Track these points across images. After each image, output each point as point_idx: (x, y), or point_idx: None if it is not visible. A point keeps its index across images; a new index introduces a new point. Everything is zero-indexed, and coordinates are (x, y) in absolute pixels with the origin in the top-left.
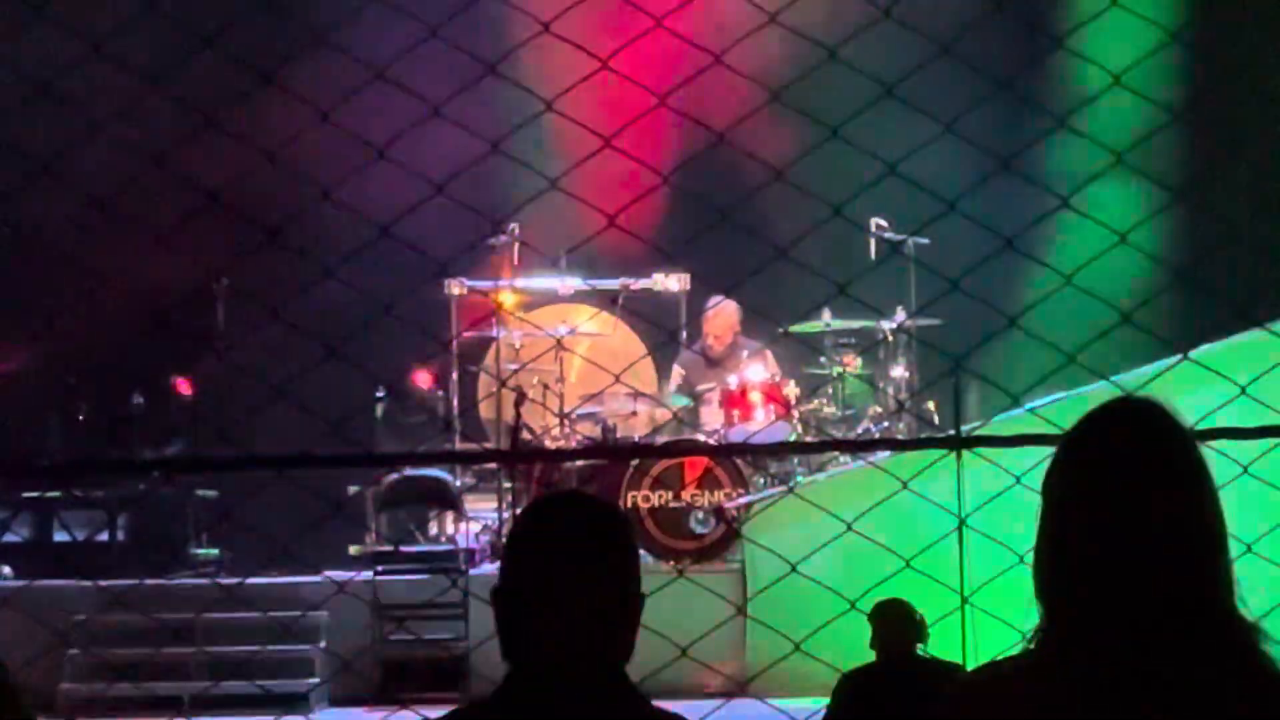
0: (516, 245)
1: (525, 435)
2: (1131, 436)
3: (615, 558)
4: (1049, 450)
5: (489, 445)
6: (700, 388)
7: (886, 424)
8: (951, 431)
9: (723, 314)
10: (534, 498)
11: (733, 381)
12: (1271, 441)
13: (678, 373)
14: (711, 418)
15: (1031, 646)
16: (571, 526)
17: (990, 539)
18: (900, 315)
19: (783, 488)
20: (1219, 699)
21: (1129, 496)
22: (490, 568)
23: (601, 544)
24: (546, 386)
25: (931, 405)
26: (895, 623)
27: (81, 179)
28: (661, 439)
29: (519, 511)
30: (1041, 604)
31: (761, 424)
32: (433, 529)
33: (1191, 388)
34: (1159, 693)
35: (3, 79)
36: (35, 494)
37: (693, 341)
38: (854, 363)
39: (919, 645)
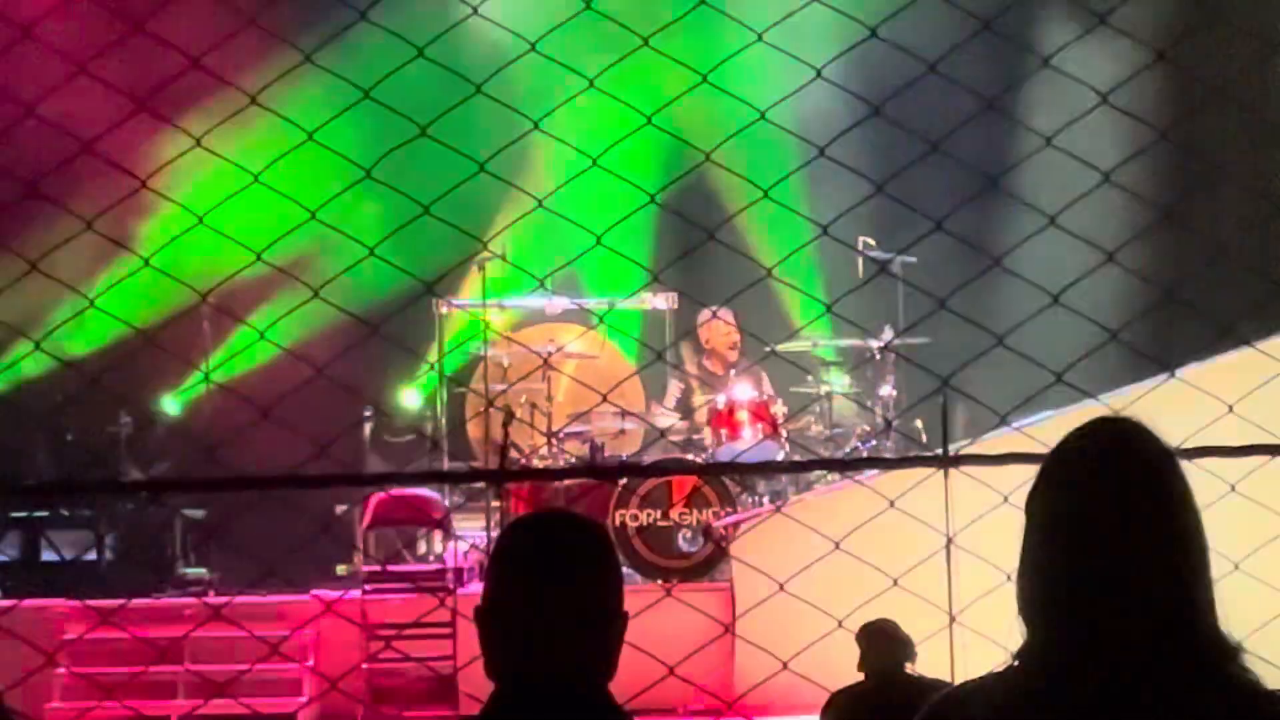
0: (503, 265)
1: (513, 454)
2: (1111, 457)
3: (598, 575)
4: (1036, 468)
5: (477, 464)
6: (698, 403)
7: (874, 442)
8: (939, 450)
9: (728, 323)
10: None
11: (720, 400)
12: (1258, 460)
13: (676, 386)
14: (705, 435)
15: (1015, 665)
16: (553, 544)
17: (978, 557)
18: (888, 334)
19: (770, 506)
20: (1199, 718)
21: (1109, 517)
22: (478, 586)
23: (584, 561)
24: (534, 406)
25: (919, 423)
26: (882, 643)
27: (70, 194)
28: (650, 457)
29: (502, 529)
30: (1024, 623)
31: (749, 443)
32: (421, 548)
33: (1178, 406)
34: (1139, 713)
35: None
36: (23, 513)
37: (690, 359)
38: (842, 382)
39: (906, 665)
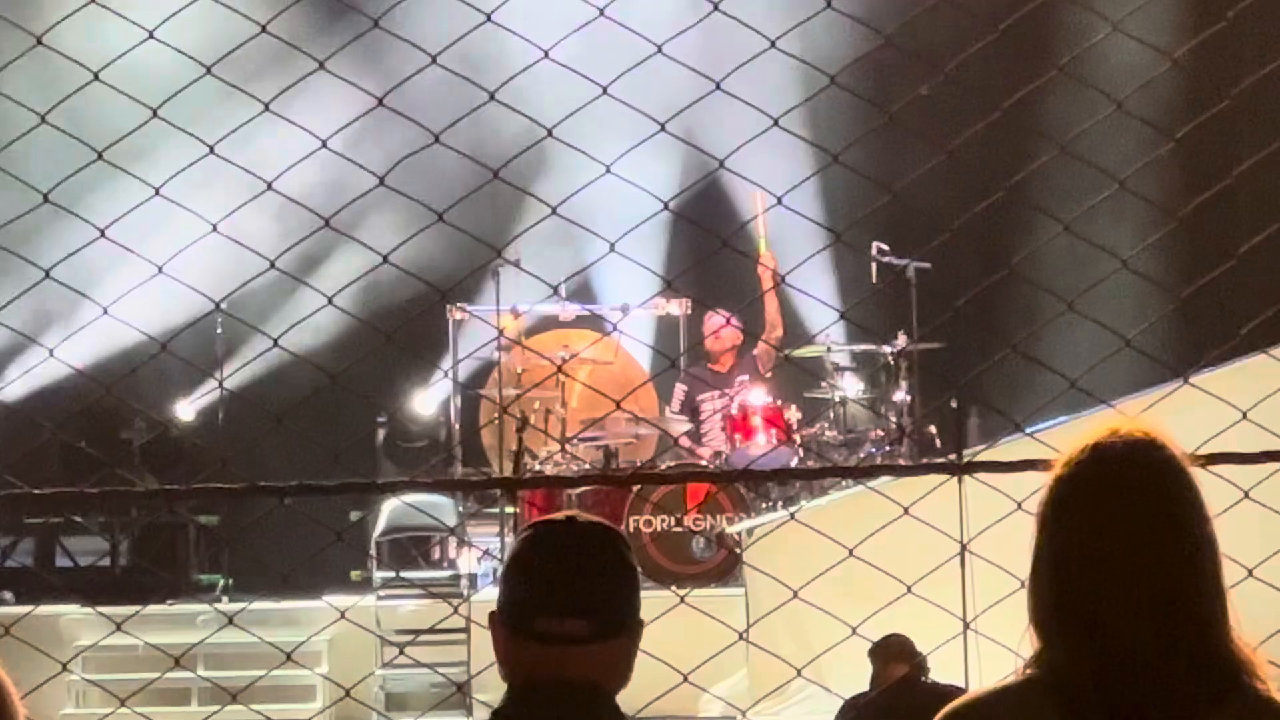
0: (516, 271)
1: (527, 461)
2: (1122, 464)
3: (614, 582)
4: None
5: (490, 471)
6: (700, 398)
7: (888, 448)
8: (953, 456)
9: (726, 330)
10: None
11: (735, 405)
12: (1272, 466)
13: (680, 389)
14: (713, 439)
15: (1027, 674)
16: (570, 549)
17: (992, 564)
18: (901, 339)
19: (784, 512)
20: None
21: (1119, 526)
22: (492, 592)
23: (600, 567)
24: (549, 412)
25: (933, 429)
26: (894, 660)
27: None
28: (664, 462)
29: (516, 534)
30: (1035, 632)
31: (763, 448)
32: (434, 554)
33: (1192, 412)
34: None
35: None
36: (37, 520)
37: (695, 361)
38: (857, 387)
39: (919, 679)
